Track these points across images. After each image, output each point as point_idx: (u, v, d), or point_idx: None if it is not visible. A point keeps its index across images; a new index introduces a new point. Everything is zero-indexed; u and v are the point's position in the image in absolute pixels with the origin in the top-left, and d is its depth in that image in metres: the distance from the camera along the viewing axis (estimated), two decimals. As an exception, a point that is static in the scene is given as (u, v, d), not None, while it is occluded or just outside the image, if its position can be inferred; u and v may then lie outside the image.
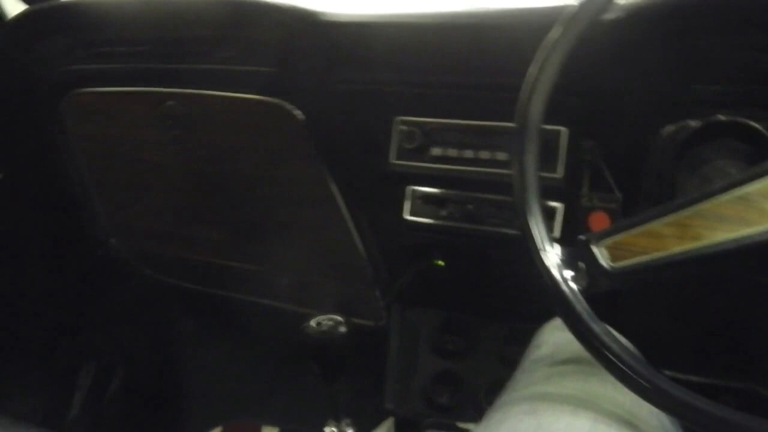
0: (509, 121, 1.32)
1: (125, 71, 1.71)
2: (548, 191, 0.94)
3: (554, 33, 0.94)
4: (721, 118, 1.15)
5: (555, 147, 1.30)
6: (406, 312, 1.78)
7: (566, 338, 0.98)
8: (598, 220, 1.29)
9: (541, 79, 0.92)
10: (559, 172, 1.31)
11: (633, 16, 1.18)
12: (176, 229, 1.93)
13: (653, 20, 1.20)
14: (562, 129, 1.30)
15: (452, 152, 1.41)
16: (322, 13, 1.47)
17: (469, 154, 1.40)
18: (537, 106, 0.91)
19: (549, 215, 1.34)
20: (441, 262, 1.56)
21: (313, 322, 1.49)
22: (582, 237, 0.85)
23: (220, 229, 1.85)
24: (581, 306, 0.80)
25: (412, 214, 1.50)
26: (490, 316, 1.74)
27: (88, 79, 1.76)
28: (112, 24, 1.70)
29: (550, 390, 0.95)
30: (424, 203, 1.48)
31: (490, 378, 1.71)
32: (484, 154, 1.38)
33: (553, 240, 0.86)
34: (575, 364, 0.98)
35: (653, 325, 1.35)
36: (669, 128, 1.22)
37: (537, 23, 1.21)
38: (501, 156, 1.37)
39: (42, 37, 1.77)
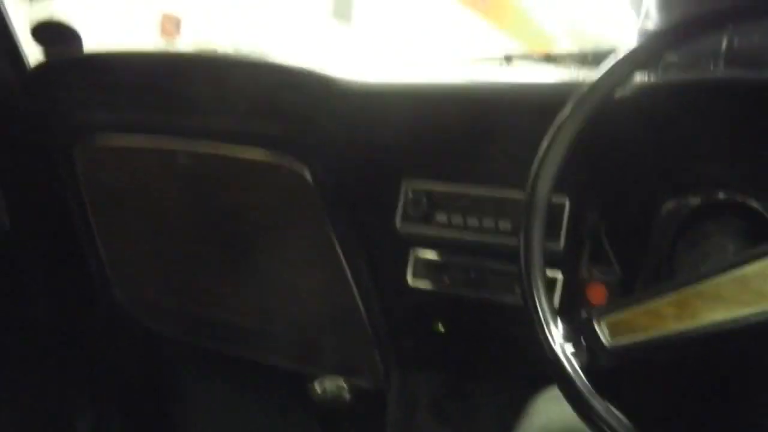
0: (515, 189, 1.36)
1: (138, 124, 1.73)
2: (548, 261, 0.96)
3: (566, 110, 0.96)
4: (722, 196, 1.18)
5: (557, 218, 1.32)
6: (406, 375, 1.78)
7: (561, 410, 0.99)
8: (596, 293, 1.30)
9: (551, 155, 0.94)
10: (560, 244, 1.33)
11: (640, 94, 1.21)
12: (181, 282, 1.94)
13: (659, 99, 1.23)
14: (566, 201, 1.33)
15: (457, 219, 1.43)
16: (336, 79, 1.50)
17: (473, 222, 1.41)
18: (546, 182, 0.93)
19: (550, 285, 1.35)
20: (441, 329, 1.58)
21: (318, 387, 1.50)
22: (584, 313, 0.87)
23: (224, 284, 1.86)
24: (581, 382, 0.82)
25: (414, 279, 1.51)
26: (492, 382, 1.74)
27: (102, 131, 1.78)
28: (128, 76, 1.73)
29: None
30: (427, 268, 1.50)
31: None
32: (489, 223, 1.40)
33: (555, 315, 0.88)
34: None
35: (652, 398, 1.36)
36: (670, 204, 1.24)
37: (548, 98, 1.24)
38: (504, 225, 1.39)
39: (60, 86, 1.80)
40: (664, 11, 1.84)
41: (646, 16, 1.88)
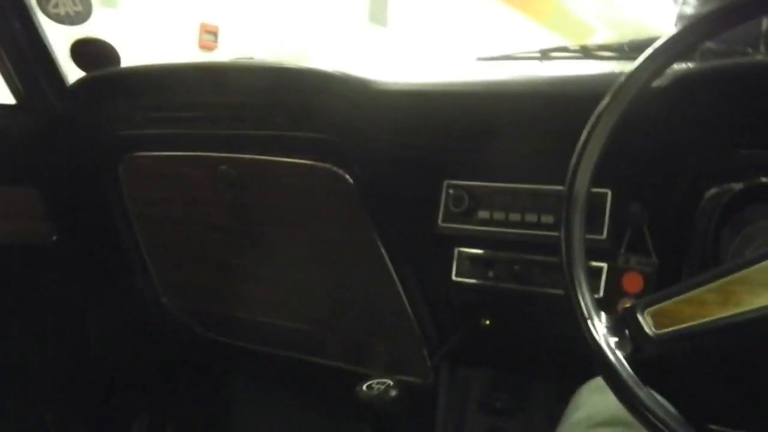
0: (555, 184, 1.36)
1: (181, 136, 1.76)
2: (592, 252, 0.96)
3: (604, 102, 0.96)
4: (764, 180, 1.17)
5: (600, 209, 1.33)
6: (454, 371, 1.79)
7: (605, 400, 1.00)
8: (632, 282, 1.31)
9: (590, 147, 0.94)
10: (603, 234, 1.33)
11: (679, 83, 1.21)
12: (228, 289, 1.96)
13: (698, 87, 1.22)
14: (608, 191, 1.33)
15: (499, 215, 1.44)
16: (375, 82, 1.52)
17: (515, 216, 1.42)
18: (585, 175, 0.93)
19: (594, 275, 1.36)
20: (487, 322, 1.58)
21: (365, 386, 1.51)
22: (627, 304, 0.87)
23: (271, 289, 1.88)
24: (626, 373, 0.82)
25: (459, 275, 1.52)
26: (538, 375, 1.74)
27: (145, 143, 1.81)
28: (169, 90, 1.76)
29: None
30: (472, 264, 1.51)
31: None
32: (531, 217, 1.40)
33: (598, 307, 0.88)
34: (614, 427, 0.99)
35: (697, 386, 1.36)
36: (712, 191, 1.24)
37: (586, 91, 1.24)
38: (546, 218, 1.39)
39: (101, 102, 1.84)
40: (701, -5, 1.83)
41: (684, 1, 1.87)
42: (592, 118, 0.95)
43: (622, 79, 0.96)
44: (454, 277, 1.52)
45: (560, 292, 1.39)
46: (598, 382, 1.13)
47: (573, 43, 1.74)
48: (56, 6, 1.95)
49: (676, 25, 1.93)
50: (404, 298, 1.66)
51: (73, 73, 1.95)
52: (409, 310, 1.67)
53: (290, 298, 1.87)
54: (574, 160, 0.95)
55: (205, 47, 6.98)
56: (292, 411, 2.23)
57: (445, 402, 1.78)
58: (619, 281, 1.32)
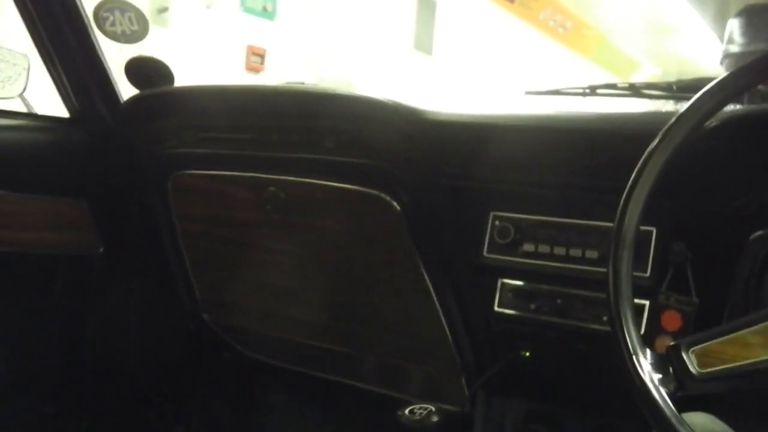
0: (601, 220, 1.37)
1: (230, 157, 1.78)
2: (635, 289, 0.97)
3: (655, 141, 0.97)
4: (810, 226, 1.18)
5: (644, 247, 1.33)
6: (491, 400, 1.79)
7: None
8: (671, 320, 1.31)
9: (640, 185, 0.95)
10: (647, 272, 1.34)
11: (727, 125, 1.21)
12: (270, 309, 1.98)
13: (746, 129, 1.23)
14: (653, 229, 1.34)
15: (544, 248, 1.45)
16: (426, 112, 1.54)
17: (560, 251, 1.43)
18: (635, 213, 0.95)
19: (637, 313, 1.36)
20: (527, 354, 1.59)
21: (407, 411, 1.53)
22: (672, 344, 0.88)
23: (312, 310, 1.89)
24: (670, 410, 0.83)
25: (501, 306, 1.53)
26: (575, 408, 1.74)
27: (194, 162, 1.84)
28: (219, 111, 1.78)
29: None
30: (514, 296, 1.51)
31: None
32: (575, 252, 1.41)
33: (643, 344, 0.89)
34: None
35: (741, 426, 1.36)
36: (758, 233, 1.24)
37: (636, 129, 1.25)
38: (591, 254, 1.40)
39: (153, 120, 1.87)
40: (747, 35, 1.84)
41: (730, 40, 1.88)
42: (644, 156, 0.96)
43: (674, 119, 0.97)
44: (496, 308, 1.53)
45: (601, 327, 1.41)
46: None
47: (621, 81, 1.74)
48: (113, 24, 1.99)
49: (721, 63, 1.94)
50: (445, 325, 1.66)
51: (126, 90, 1.99)
52: (449, 338, 1.68)
53: (331, 320, 1.89)
54: (624, 197, 0.96)
55: (251, 69, 7.04)
56: (326, 431, 2.24)
57: (481, 431, 1.78)
58: (658, 318, 1.33)
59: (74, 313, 2.04)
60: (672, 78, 1.65)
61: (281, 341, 2.04)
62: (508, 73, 9.80)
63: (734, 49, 1.90)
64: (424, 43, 9.41)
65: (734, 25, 1.91)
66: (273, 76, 6.94)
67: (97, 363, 2.10)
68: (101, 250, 1.99)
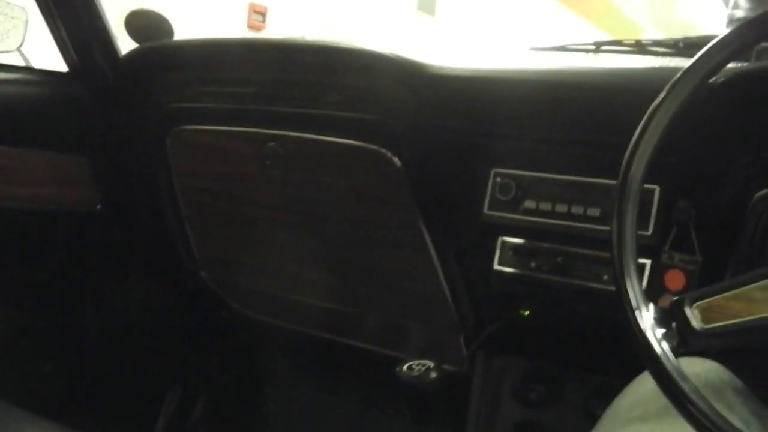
0: (603, 177, 1.36)
1: (230, 111, 1.77)
2: (638, 248, 0.96)
3: (660, 97, 0.96)
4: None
5: (647, 205, 1.32)
6: (491, 359, 1.79)
7: (651, 390, 0.99)
8: (674, 279, 1.31)
9: (644, 141, 0.94)
10: (649, 230, 1.33)
11: (733, 81, 1.20)
12: (268, 267, 1.98)
13: (753, 86, 1.22)
14: (656, 187, 1.32)
15: (545, 206, 1.43)
16: (428, 66, 1.52)
17: (562, 208, 1.42)
18: (639, 169, 0.93)
19: (640, 271, 1.35)
20: (527, 312, 1.58)
21: (405, 367, 1.53)
22: (675, 298, 0.87)
23: (312, 268, 1.89)
24: (671, 365, 0.82)
25: (501, 264, 1.52)
26: (575, 368, 1.74)
27: (194, 117, 1.82)
28: (221, 65, 1.77)
29: None
30: (514, 254, 1.50)
31: (573, 430, 1.72)
32: (577, 209, 1.40)
33: (646, 300, 0.88)
34: (659, 415, 0.99)
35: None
36: (763, 191, 1.23)
37: (640, 85, 1.23)
38: (593, 212, 1.39)
39: (152, 74, 1.85)
40: (752, 0, 1.82)
41: (735, 5, 1.86)
42: (649, 111, 0.95)
43: (679, 74, 0.95)
44: (495, 266, 1.52)
45: (601, 286, 1.41)
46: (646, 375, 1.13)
47: (625, 38, 1.73)
48: (113, -23, 1.97)
49: (727, 27, 1.92)
50: (444, 283, 1.66)
51: (126, 44, 1.97)
52: (448, 296, 1.67)
53: (329, 277, 1.88)
54: (628, 153, 0.94)
55: (253, 27, 7.02)
56: (325, 390, 2.24)
57: (479, 390, 1.78)
58: (661, 278, 1.32)
59: (74, 269, 2.04)
60: (677, 40, 1.63)
61: (280, 300, 2.04)
62: (512, 34, 9.77)
63: (739, 14, 1.88)
64: (427, 4, 9.37)
65: (739, -10, 1.89)
66: (274, 35, 6.92)
67: (97, 319, 2.10)
68: (99, 206, 1.98)
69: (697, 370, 1.01)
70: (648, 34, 12.96)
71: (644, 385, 1.07)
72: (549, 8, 11.53)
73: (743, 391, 1.04)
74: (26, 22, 1.88)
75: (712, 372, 1.06)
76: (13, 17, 1.87)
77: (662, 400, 0.85)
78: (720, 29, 1.94)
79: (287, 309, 2.07)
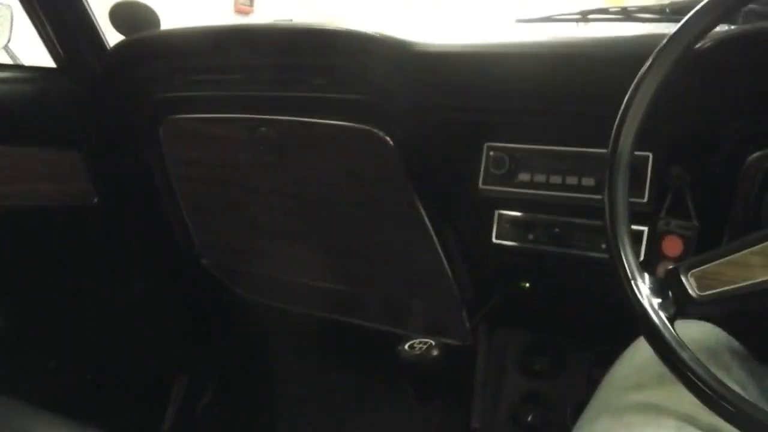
0: (596, 147, 1.36)
1: (220, 98, 1.77)
2: (633, 215, 0.96)
3: (647, 64, 0.95)
4: (808, 144, 1.17)
5: (641, 172, 1.32)
6: (493, 332, 1.80)
7: (647, 357, 1.00)
8: (672, 245, 1.31)
9: (633, 109, 0.94)
10: (644, 197, 1.33)
11: (721, 45, 1.20)
12: (268, 250, 1.98)
13: (741, 49, 1.21)
14: (649, 154, 1.33)
15: (540, 177, 1.44)
16: (415, 43, 1.51)
17: (556, 179, 1.42)
18: (629, 137, 0.93)
19: (635, 239, 1.35)
20: (527, 285, 1.59)
21: (406, 345, 1.53)
22: (671, 266, 0.87)
23: (309, 249, 1.90)
24: (669, 333, 0.83)
25: (498, 238, 1.53)
26: (578, 338, 1.75)
27: (185, 105, 1.82)
28: (207, 52, 1.76)
29: (634, 401, 0.97)
30: (512, 227, 1.51)
31: (577, 399, 1.72)
32: (572, 180, 1.40)
33: (641, 268, 0.89)
34: (658, 382, 0.99)
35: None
36: (756, 155, 1.23)
37: (628, 53, 1.23)
38: (587, 181, 1.39)
39: (141, 65, 1.85)
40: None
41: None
42: (636, 80, 0.95)
43: (665, 41, 0.95)
44: (493, 240, 1.53)
45: (600, 255, 1.41)
46: (641, 342, 1.14)
47: (613, 5, 1.72)
48: (96, -31, 1.96)
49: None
50: (443, 259, 1.66)
51: (112, 36, 1.96)
52: (449, 272, 1.68)
53: (328, 258, 1.89)
54: (617, 122, 0.94)
55: (240, 11, 6.98)
56: (330, 370, 2.25)
57: (483, 364, 1.79)
58: (659, 245, 1.32)
59: (73, 264, 2.04)
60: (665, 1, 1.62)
61: (281, 283, 2.05)
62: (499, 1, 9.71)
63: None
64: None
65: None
66: (263, 17, 6.88)
67: (99, 312, 2.10)
68: (96, 200, 1.98)
69: (693, 333, 1.02)
70: (637, -3, 12.88)
71: (639, 351, 1.08)
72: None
73: (740, 353, 1.05)
74: (11, 19, 1.88)
75: (708, 335, 1.06)
76: (-2, 15, 1.86)
77: (659, 368, 0.85)
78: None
79: (289, 291, 2.08)
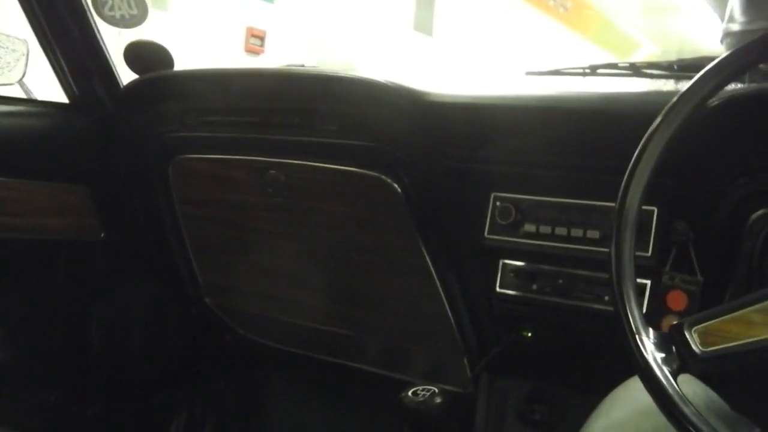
0: (602, 200, 1.37)
1: (231, 140, 1.78)
2: (637, 269, 0.97)
3: (657, 121, 0.97)
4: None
5: (646, 226, 1.33)
6: (494, 380, 1.80)
7: (647, 405, 1.00)
8: (676, 300, 1.31)
9: (642, 165, 0.95)
10: (649, 251, 1.34)
11: (729, 104, 1.21)
12: (272, 292, 1.99)
13: (748, 108, 1.23)
14: (654, 209, 1.34)
15: (545, 229, 1.45)
16: (426, 93, 1.53)
17: (561, 231, 1.43)
18: (637, 192, 0.94)
19: (640, 292, 1.36)
20: (529, 334, 1.59)
21: (410, 392, 1.53)
22: (672, 322, 0.88)
23: (315, 293, 1.90)
24: (673, 389, 0.83)
25: (502, 287, 1.53)
26: (579, 387, 1.75)
27: (195, 146, 1.84)
28: (220, 94, 1.78)
29: None
30: (516, 277, 1.52)
31: None
32: (577, 232, 1.41)
33: (646, 323, 0.89)
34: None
35: (743, 404, 1.36)
36: (760, 212, 1.24)
37: (637, 109, 1.25)
38: (592, 234, 1.40)
39: (153, 104, 1.87)
40: (748, 13, 1.83)
41: (731, 18, 1.87)
42: (646, 136, 0.96)
43: (676, 98, 0.97)
44: (497, 289, 1.54)
45: (603, 307, 1.42)
46: (617, 393, 1.15)
47: (622, 61, 1.74)
48: (112, 9, 1.99)
49: (722, 41, 1.93)
50: (447, 306, 1.67)
51: (125, 74, 1.99)
52: (452, 319, 1.68)
53: (332, 302, 1.89)
54: (626, 177, 0.96)
55: (251, 51, 7.05)
56: (330, 413, 2.25)
57: (484, 412, 1.78)
58: (664, 299, 1.33)
59: (78, 299, 2.05)
60: (672, 57, 1.64)
61: (284, 325, 2.05)
62: (509, 52, 9.79)
63: (735, 27, 1.89)
64: (424, 24, 9.40)
65: (735, 4, 1.90)
66: (273, 58, 6.94)
67: (101, 349, 2.10)
68: (102, 235, 1.99)
69: (696, 389, 1.02)
70: (645, 49, 12.99)
71: (634, 396, 1.08)
72: (545, 25, 11.56)
73: (731, 415, 1.05)
74: (27, 54, 1.90)
75: (698, 396, 1.06)
76: (14, 50, 1.88)
77: (658, 417, 0.86)
78: (715, 43, 1.95)
79: (291, 333, 2.08)
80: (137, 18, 2.03)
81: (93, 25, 1.94)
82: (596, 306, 1.44)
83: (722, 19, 1.95)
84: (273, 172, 1.72)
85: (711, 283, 1.30)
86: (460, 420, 1.79)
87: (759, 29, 1.79)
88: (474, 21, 9.96)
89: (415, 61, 8.45)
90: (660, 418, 0.85)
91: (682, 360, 0.86)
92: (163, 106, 1.87)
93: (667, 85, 1.54)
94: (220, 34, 6.58)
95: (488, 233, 1.51)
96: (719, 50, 1.92)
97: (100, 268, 2.05)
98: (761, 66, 1.35)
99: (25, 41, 1.89)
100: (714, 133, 1.23)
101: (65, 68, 1.93)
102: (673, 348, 0.87)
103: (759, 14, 1.84)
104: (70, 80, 1.95)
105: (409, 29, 9.18)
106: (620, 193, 0.95)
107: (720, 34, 1.95)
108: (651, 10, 11.50)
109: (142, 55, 1.95)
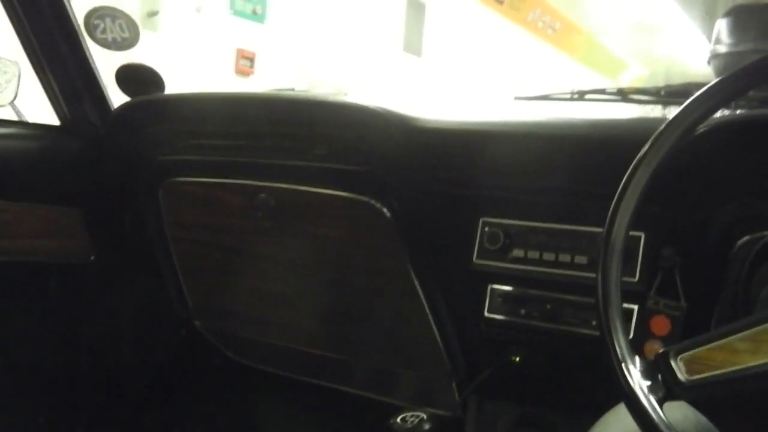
0: (590, 225, 1.38)
1: (221, 164, 1.79)
2: (624, 294, 0.98)
3: (645, 148, 0.97)
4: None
5: (634, 252, 1.34)
6: (483, 404, 1.80)
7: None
8: (660, 325, 1.32)
9: (629, 192, 0.96)
10: (635, 276, 1.35)
11: (716, 131, 1.22)
12: (261, 315, 1.99)
13: (734, 135, 1.24)
14: (641, 234, 1.34)
15: (533, 254, 1.46)
16: (415, 119, 1.54)
17: (549, 256, 1.44)
18: (624, 219, 0.95)
19: (626, 317, 1.37)
20: (517, 358, 1.60)
21: (399, 418, 1.53)
22: (656, 347, 0.89)
23: (304, 317, 1.90)
24: (659, 417, 0.84)
25: (491, 312, 1.54)
26: (566, 411, 1.75)
27: (186, 169, 1.84)
28: (211, 118, 1.79)
29: None
30: (504, 301, 1.52)
31: None
32: (564, 257, 1.42)
33: (632, 351, 0.90)
34: None
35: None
36: (746, 239, 1.25)
37: (625, 135, 1.26)
38: (580, 259, 1.41)
39: (144, 127, 1.87)
40: (735, 35, 1.85)
41: (718, 40, 1.89)
42: (634, 163, 0.97)
43: (664, 126, 0.97)
44: (486, 313, 1.54)
45: (590, 332, 1.42)
46: (607, 418, 1.16)
47: (609, 82, 1.76)
48: (104, 32, 1.99)
49: (709, 63, 1.95)
50: (435, 331, 1.67)
51: (116, 96, 1.99)
52: (440, 343, 1.68)
53: (321, 325, 1.89)
54: (614, 203, 0.96)
55: (241, 72, 7.06)
56: None
57: None
58: (648, 323, 1.34)
59: (68, 320, 2.05)
60: (660, 78, 1.66)
61: (273, 347, 2.05)
62: (498, 73, 9.82)
63: (722, 49, 1.91)
64: (413, 45, 9.44)
65: (722, 25, 1.92)
66: (263, 80, 6.94)
67: (91, 370, 2.10)
68: (93, 257, 1.99)
69: (680, 416, 1.03)
70: (633, 70, 13.06)
71: (617, 427, 1.08)
72: (534, 46, 11.61)
73: None
74: (19, 76, 1.90)
75: (694, 417, 1.07)
76: (5, 72, 1.89)
77: None
78: (702, 64, 1.97)
79: (280, 356, 2.08)
80: (129, 41, 2.03)
81: (85, 47, 1.95)
82: (584, 330, 1.45)
83: (709, 41, 1.97)
84: (263, 195, 1.72)
85: (697, 309, 1.30)
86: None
87: (745, 51, 1.82)
88: (463, 41, 10.00)
89: (405, 82, 8.47)
90: None
91: (667, 388, 0.87)
92: (153, 129, 1.87)
93: (654, 111, 1.55)
94: (210, 55, 6.59)
95: (477, 258, 1.51)
96: (706, 71, 1.94)
97: (89, 290, 2.05)
98: (750, 93, 1.37)
99: (17, 63, 1.90)
100: (701, 160, 1.24)
101: (57, 90, 1.94)
102: (659, 376, 0.88)
103: (745, 36, 1.86)
104: (62, 102, 1.95)
105: (399, 50, 9.21)
106: (608, 219, 0.96)
107: (707, 56, 1.97)
108: (639, 31, 11.56)
109: (133, 77, 1.96)
